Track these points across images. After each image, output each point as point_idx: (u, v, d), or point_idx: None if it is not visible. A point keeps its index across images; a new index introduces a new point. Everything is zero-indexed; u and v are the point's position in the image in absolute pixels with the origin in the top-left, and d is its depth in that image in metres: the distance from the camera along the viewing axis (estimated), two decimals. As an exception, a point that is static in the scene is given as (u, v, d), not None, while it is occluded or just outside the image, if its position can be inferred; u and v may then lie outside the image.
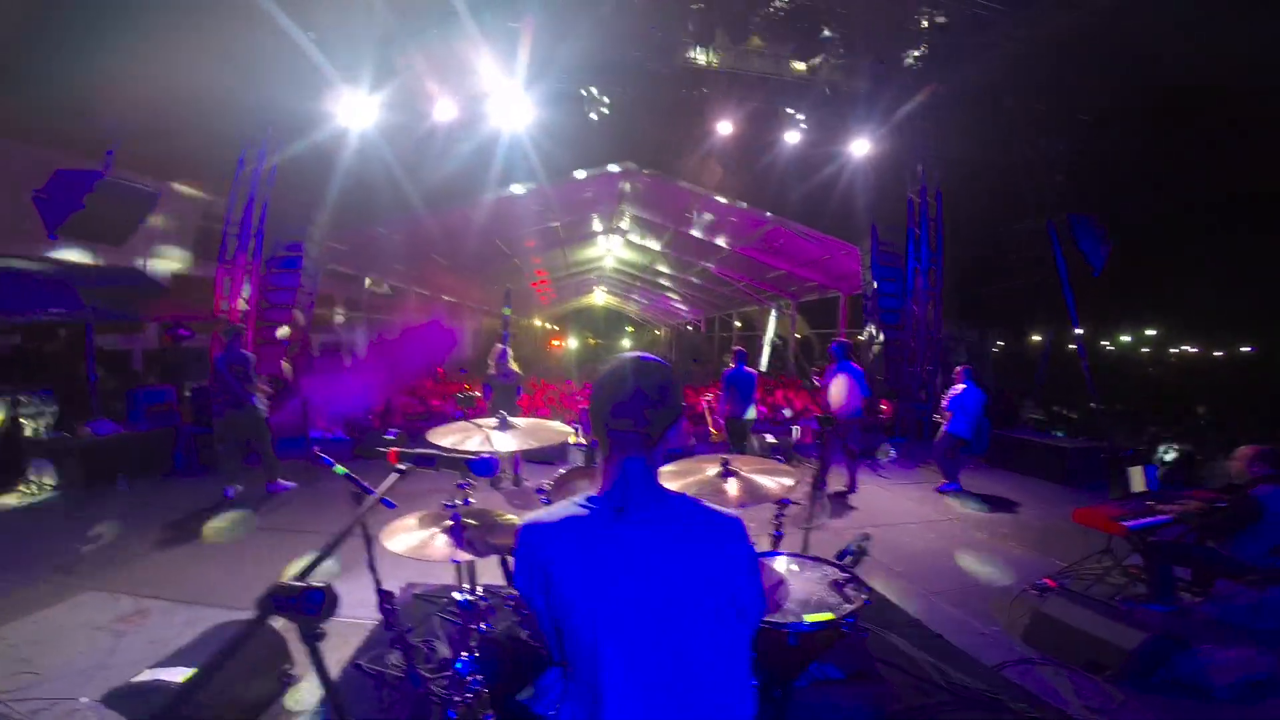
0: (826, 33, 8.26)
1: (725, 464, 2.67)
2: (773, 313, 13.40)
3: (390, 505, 2.14)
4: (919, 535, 5.99)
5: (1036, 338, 15.40)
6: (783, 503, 2.94)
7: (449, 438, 3.09)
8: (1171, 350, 34.89)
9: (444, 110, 9.63)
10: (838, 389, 7.01)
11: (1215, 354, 34.10)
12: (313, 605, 1.05)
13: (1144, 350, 33.70)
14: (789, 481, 2.65)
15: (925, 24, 7.79)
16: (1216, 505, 4.20)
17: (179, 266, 11.63)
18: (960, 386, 7.35)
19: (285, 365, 9.75)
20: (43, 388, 7.84)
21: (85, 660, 3.36)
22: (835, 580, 2.44)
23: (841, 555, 2.59)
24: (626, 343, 43.58)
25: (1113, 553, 4.80)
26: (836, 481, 7.39)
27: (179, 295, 10.86)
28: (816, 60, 9.10)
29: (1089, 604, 3.74)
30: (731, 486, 2.58)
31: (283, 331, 10.05)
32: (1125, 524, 4.21)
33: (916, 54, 8.81)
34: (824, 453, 7.29)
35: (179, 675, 2.65)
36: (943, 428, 7.47)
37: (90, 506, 6.24)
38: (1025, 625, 3.88)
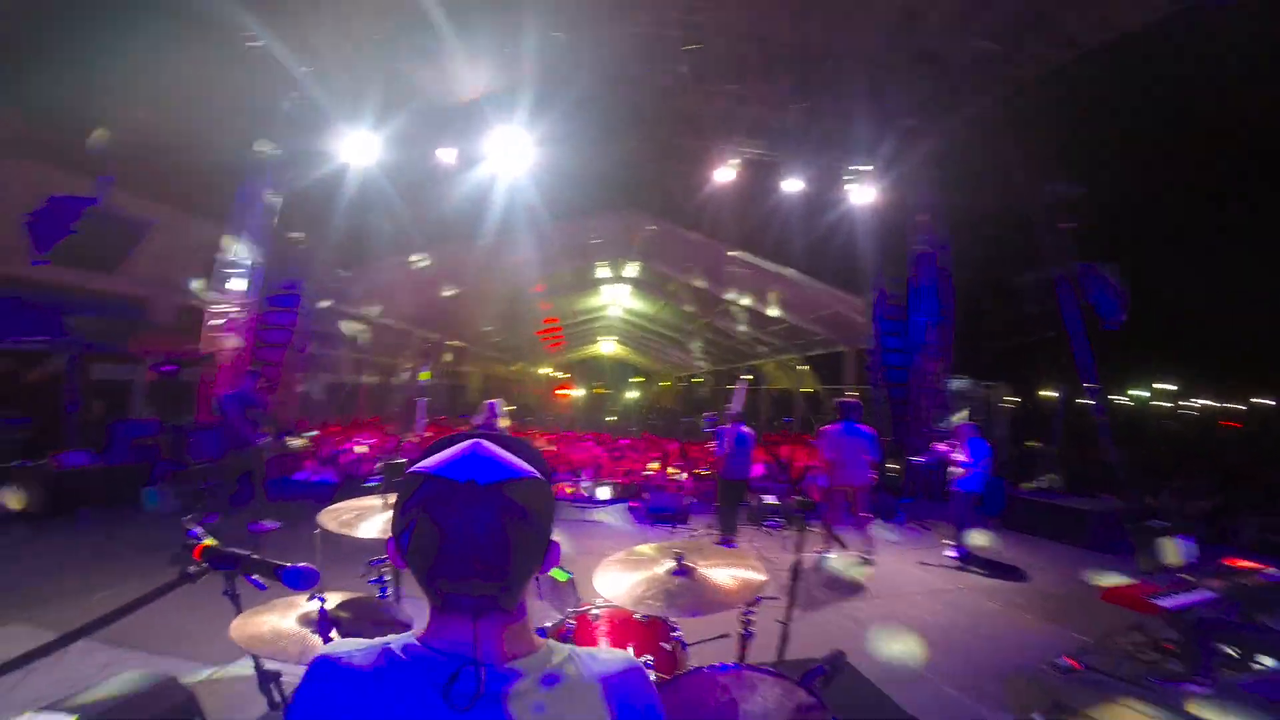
0: (822, 75, 8.19)
1: (679, 559, 2.28)
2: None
3: (261, 587, 1.80)
4: (925, 607, 5.51)
5: (1048, 393, 14.87)
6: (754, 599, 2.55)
7: (356, 518, 2.71)
8: (1191, 402, 33.95)
9: (446, 151, 9.64)
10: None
11: (1236, 407, 33.15)
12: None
13: (1159, 404, 32.79)
14: (759, 577, 2.27)
15: (923, 66, 7.69)
16: (1263, 577, 3.75)
17: (174, 298, 11.54)
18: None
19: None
20: (15, 416, 7.63)
21: (-16, 693, 3.18)
22: (800, 704, 2.01)
23: (810, 676, 2.16)
24: (633, 393, 42.75)
25: (1143, 629, 4.32)
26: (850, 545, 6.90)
27: (172, 328, 10.71)
28: (814, 105, 9.03)
29: (1117, 686, 3.26)
30: (685, 589, 2.18)
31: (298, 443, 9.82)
32: (1161, 603, 3.76)
33: (917, 98, 8.70)
34: (826, 518, 6.80)
35: None
36: (956, 487, 7.01)
37: (47, 538, 6.07)
38: (1044, 713, 3.40)
